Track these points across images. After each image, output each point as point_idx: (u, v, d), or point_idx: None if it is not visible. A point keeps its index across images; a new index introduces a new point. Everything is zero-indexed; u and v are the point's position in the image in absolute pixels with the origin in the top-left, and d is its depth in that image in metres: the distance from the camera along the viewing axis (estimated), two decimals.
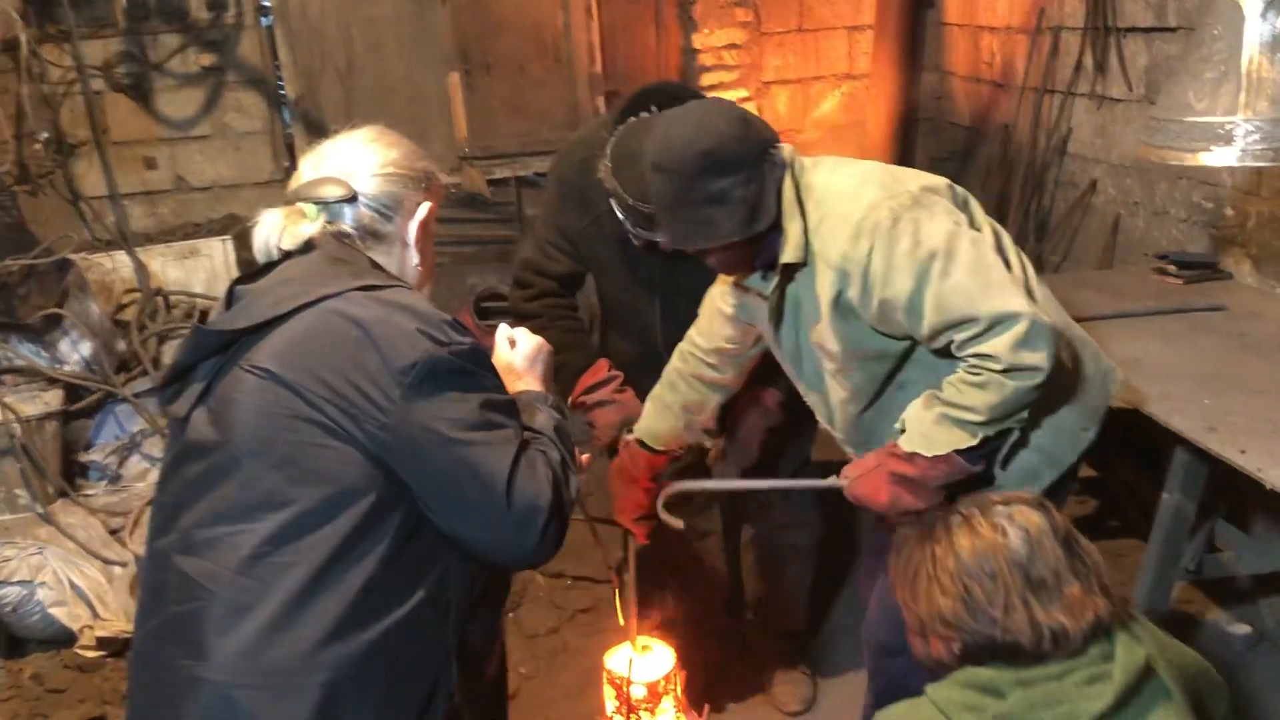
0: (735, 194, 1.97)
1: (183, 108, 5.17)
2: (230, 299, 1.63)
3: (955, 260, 1.89)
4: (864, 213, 1.96)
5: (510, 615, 3.49)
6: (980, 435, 1.95)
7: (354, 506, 1.45)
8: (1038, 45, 4.68)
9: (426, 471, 1.47)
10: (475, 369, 1.54)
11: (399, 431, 1.46)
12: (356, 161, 1.67)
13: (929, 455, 1.98)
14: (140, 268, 4.59)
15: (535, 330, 1.88)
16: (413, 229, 1.70)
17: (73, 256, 4.04)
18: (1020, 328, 1.84)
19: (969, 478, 2.02)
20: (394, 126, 1.76)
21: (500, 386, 1.61)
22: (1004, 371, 1.87)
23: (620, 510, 2.58)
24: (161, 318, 4.29)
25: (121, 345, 3.91)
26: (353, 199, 1.64)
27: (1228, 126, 2.27)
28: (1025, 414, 1.95)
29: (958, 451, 1.96)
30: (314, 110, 5.27)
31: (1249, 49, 2.26)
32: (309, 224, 1.63)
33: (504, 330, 1.87)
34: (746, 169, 1.98)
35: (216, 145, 5.25)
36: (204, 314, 3.70)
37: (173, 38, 5.04)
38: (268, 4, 5.14)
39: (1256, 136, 2.25)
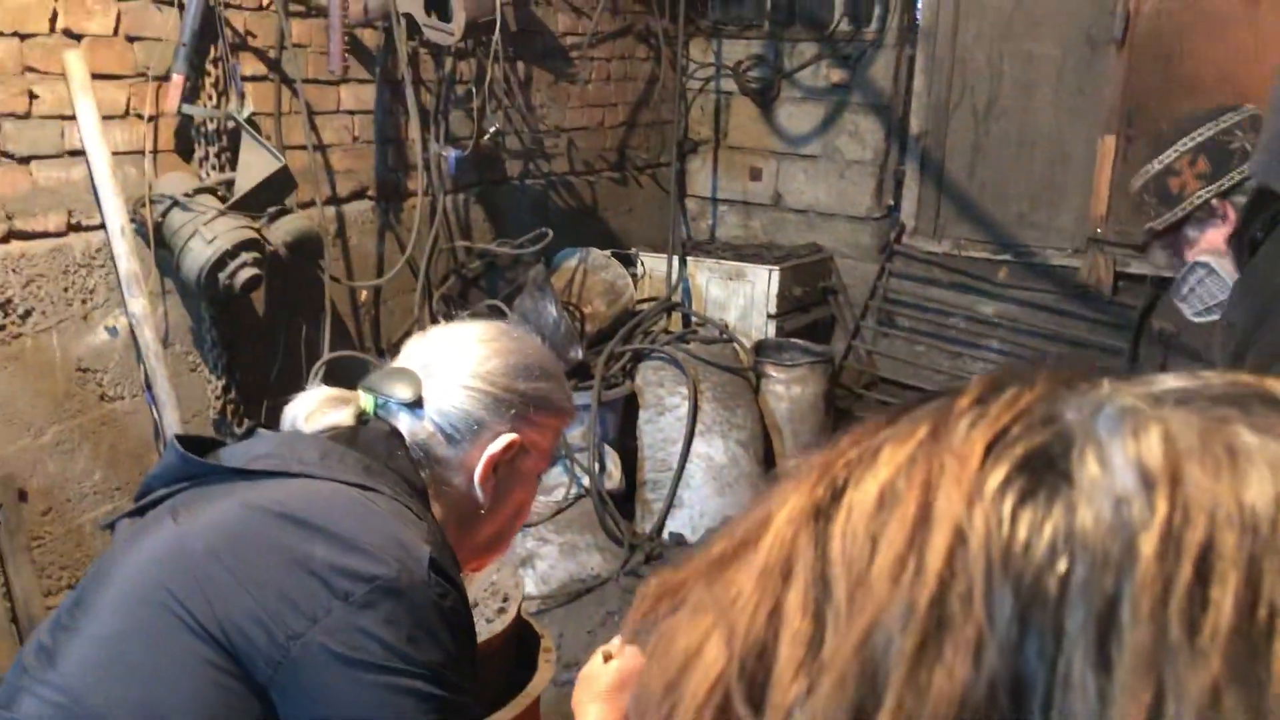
0: None
1: (800, 123, 4.82)
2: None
3: None
4: None
5: None
6: None
7: None
8: None
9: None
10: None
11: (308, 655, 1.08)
12: (449, 359, 1.32)
13: None
14: (674, 280, 4.39)
15: None
16: (480, 463, 1.30)
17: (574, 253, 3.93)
18: None
19: None
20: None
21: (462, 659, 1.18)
22: None
23: None
24: (659, 338, 4.02)
25: (577, 353, 3.69)
26: (415, 405, 1.29)
27: None
28: None
29: None
30: (935, 149, 4.58)
31: None
32: (338, 412, 1.32)
33: (605, 647, 1.41)
34: None
35: (822, 168, 4.82)
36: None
37: (809, 47, 4.69)
38: (917, 21, 4.54)
39: None
